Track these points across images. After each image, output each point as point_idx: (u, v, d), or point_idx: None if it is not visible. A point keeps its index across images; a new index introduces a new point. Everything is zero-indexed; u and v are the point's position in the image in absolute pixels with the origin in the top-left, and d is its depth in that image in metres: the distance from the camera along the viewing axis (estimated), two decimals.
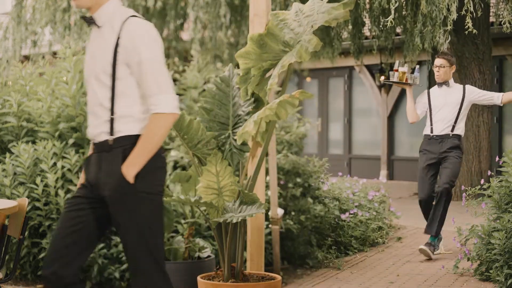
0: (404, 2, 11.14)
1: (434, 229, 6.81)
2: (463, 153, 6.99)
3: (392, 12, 6.93)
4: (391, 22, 6.73)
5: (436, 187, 6.86)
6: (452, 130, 6.87)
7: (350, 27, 12.72)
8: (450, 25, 8.48)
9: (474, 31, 8.13)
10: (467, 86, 6.97)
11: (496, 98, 6.86)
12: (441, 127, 6.91)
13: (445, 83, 6.97)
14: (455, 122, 6.86)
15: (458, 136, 6.89)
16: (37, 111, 6.16)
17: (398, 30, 12.53)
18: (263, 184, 4.94)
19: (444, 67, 6.92)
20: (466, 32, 8.58)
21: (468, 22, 7.79)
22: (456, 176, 6.82)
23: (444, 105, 6.91)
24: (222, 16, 10.49)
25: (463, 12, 8.07)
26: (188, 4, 10.77)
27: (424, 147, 7.06)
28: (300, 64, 14.36)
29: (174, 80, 7.04)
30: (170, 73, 6.65)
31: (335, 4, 4.06)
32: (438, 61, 6.95)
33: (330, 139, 16.64)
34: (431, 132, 7.00)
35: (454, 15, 8.34)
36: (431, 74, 13.60)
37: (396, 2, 7.14)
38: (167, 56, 12.69)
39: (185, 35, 13.17)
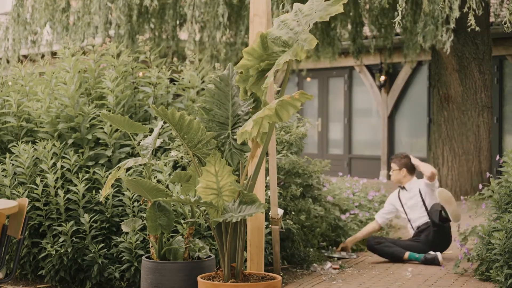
0: (405, 2, 11.14)
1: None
2: None
3: (400, 13, 6.92)
4: (398, 23, 6.72)
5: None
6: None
7: (349, 27, 12.73)
8: (453, 23, 8.47)
9: (477, 28, 8.11)
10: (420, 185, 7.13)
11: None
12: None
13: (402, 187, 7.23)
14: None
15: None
16: (37, 111, 6.16)
17: (398, 30, 12.53)
18: (263, 184, 4.93)
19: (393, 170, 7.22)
20: (469, 29, 8.57)
21: (470, 20, 7.78)
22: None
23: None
24: (220, 15, 10.48)
25: (466, 9, 8.05)
26: (186, 3, 10.76)
27: None
28: (298, 64, 14.35)
29: (173, 80, 7.03)
30: (168, 73, 6.66)
31: (330, 1, 4.08)
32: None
33: (330, 139, 16.64)
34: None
35: (456, 13, 8.32)
36: (431, 74, 13.60)
37: (403, 3, 7.13)
38: (165, 55, 12.68)
39: (184, 35, 13.16)
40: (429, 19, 10.03)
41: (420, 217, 7.02)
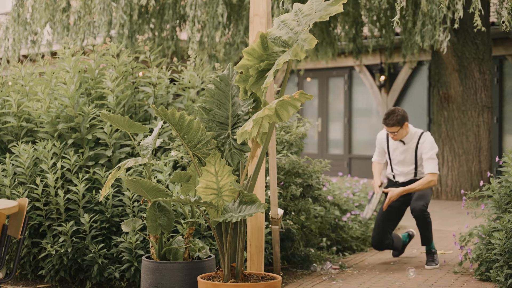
0: (405, 2, 11.15)
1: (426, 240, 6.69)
2: None
3: (398, 12, 6.91)
4: (397, 22, 6.71)
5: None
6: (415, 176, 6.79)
7: (349, 27, 12.73)
8: (457, 23, 8.46)
9: (483, 28, 8.09)
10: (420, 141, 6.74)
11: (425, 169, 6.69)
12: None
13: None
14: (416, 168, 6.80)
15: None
16: (37, 111, 6.16)
17: (398, 30, 12.54)
18: (263, 184, 4.93)
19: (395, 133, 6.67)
20: (475, 30, 8.56)
21: (476, 20, 7.77)
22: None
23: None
24: (219, 15, 10.48)
25: (471, 9, 8.04)
26: (186, 3, 10.76)
27: None
28: (298, 64, 14.36)
29: (173, 80, 7.03)
30: (168, 73, 6.66)
31: (330, 1, 4.08)
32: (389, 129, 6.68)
33: (330, 139, 16.64)
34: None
35: (460, 13, 8.31)
36: (431, 74, 13.61)
37: (401, 2, 7.12)
38: (165, 55, 12.68)
39: (183, 35, 13.16)
40: (427, 19, 10.04)
41: (407, 173, 6.78)
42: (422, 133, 6.72)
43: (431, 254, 6.61)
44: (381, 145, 6.91)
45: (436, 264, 6.52)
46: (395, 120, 6.57)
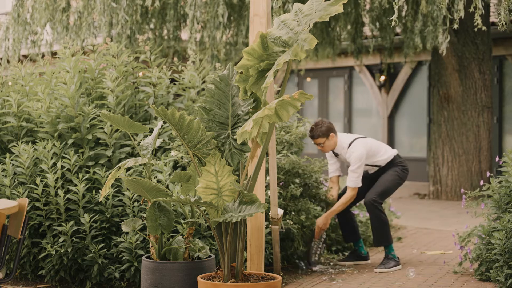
0: (404, 2, 11.14)
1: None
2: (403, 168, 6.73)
3: (396, 11, 6.91)
4: (395, 21, 6.71)
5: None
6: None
7: (349, 27, 12.73)
8: (456, 24, 8.45)
9: (484, 28, 8.08)
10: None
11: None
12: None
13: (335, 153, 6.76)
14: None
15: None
16: (37, 111, 6.16)
17: (398, 30, 12.53)
18: (263, 184, 4.93)
19: (322, 145, 6.61)
20: (476, 29, 8.56)
21: (477, 20, 7.76)
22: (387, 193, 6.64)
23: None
24: (220, 15, 10.48)
25: (472, 9, 8.04)
26: (186, 3, 10.77)
27: None
28: (299, 64, 14.36)
29: (173, 80, 7.03)
30: (168, 73, 6.66)
31: (330, 1, 4.08)
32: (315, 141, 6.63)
33: None
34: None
35: (461, 13, 8.30)
36: (431, 74, 13.61)
37: (399, 1, 7.12)
38: (166, 56, 12.68)
39: (184, 35, 13.16)
40: (428, 20, 10.03)
41: (370, 169, 6.76)
42: (350, 144, 6.60)
43: (386, 257, 6.44)
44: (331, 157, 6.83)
45: (386, 268, 6.33)
46: (319, 131, 6.52)
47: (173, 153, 5.86)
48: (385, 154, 6.69)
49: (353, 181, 6.57)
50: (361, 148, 6.54)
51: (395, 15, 6.77)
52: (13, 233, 4.18)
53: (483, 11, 8.13)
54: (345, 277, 6.10)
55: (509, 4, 7.76)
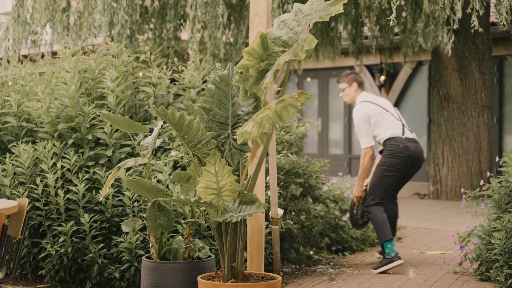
0: (404, 1, 11.14)
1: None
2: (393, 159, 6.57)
3: (394, 11, 6.91)
4: (393, 21, 6.71)
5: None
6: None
7: (349, 27, 12.73)
8: (456, 24, 8.46)
9: (480, 29, 8.09)
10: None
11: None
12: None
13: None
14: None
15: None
16: (37, 111, 6.16)
17: (397, 29, 12.53)
18: (263, 184, 4.93)
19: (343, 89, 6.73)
20: (472, 30, 8.56)
21: (474, 21, 7.77)
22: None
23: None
24: (220, 15, 10.48)
25: (469, 10, 8.05)
26: (187, 3, 10.77)
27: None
28: (299, 64, 14.36)
29: (173, 80, 7.03)
30: (169, 73, 6.66)
31: (330, 1, 4.08)
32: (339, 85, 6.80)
33: (330, 139, 16.64)
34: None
35: (459, 14, 8.30)
36: (431, 74, 13.61)
37: (397, 1, 7.12)
38: (166, 56, 12.68)
39: (184, 35, 13.16)
40: (430, 20, 10.03)
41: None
42: (360, 103, 6.67)
43: (384, 258, 6.35)
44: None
45: (377, 269, 6.26)
46: (344, 76, 6.77)
47: (173, 153, 5.86)
48: (383, 132, 6.57)
49: (361, 141, 6.62)
50: (361, 110, 6.60)
51: (393, 15, 6.77)
52: (13, 233, 4.18)
53: (480, 13, 8.13)
54: (345, 277, 6.10)
55: (510, 4, 7.76)
